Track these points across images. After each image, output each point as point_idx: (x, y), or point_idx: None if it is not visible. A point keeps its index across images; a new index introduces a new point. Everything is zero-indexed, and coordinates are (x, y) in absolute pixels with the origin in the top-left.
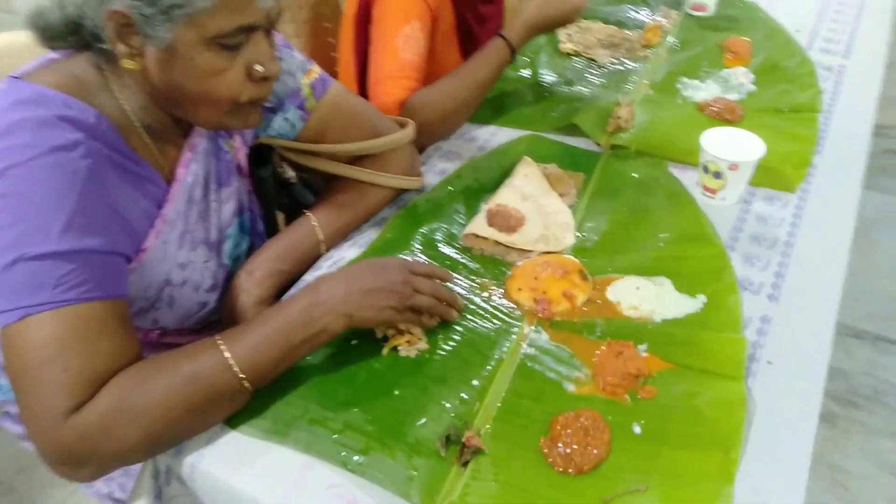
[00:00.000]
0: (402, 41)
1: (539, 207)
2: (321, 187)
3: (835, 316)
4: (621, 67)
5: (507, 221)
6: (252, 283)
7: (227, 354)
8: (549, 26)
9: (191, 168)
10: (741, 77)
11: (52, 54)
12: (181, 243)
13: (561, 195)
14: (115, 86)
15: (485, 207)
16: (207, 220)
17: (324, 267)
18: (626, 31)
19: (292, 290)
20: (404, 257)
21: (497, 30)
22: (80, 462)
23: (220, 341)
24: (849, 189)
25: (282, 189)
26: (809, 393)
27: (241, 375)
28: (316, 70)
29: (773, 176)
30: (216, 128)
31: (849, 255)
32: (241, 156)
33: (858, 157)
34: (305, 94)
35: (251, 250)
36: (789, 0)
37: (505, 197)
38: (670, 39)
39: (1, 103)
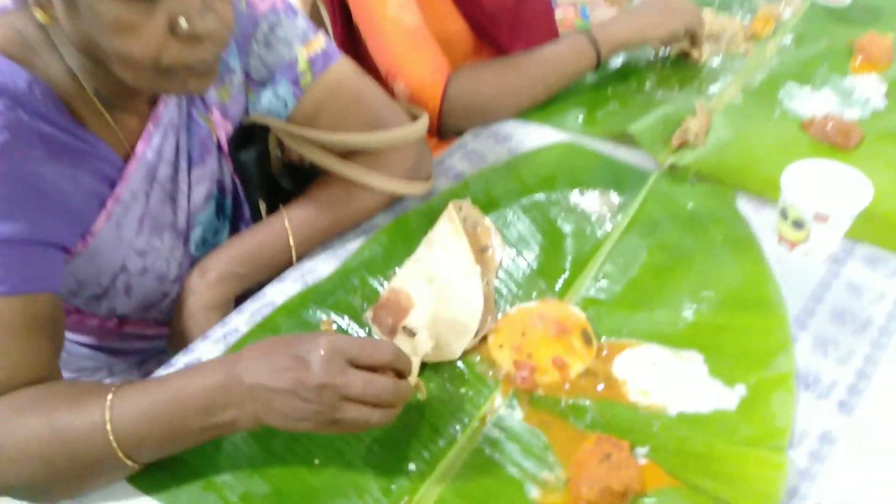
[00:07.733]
0: (396, 8)
1: (441, 295)
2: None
3: None
4: (713, 66)
5: (394, 316)
6: (204, 285)
7: (107, 416)
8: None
9: (152, 142)
10: (869, 88)
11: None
12: (140, 228)
13: (483, 250)
14: (61, 44)
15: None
16: (175, 204)
17: (289, 279)
18: (731, 18)
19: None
20: (350, 332)
21: None
22: None
23: (110, 396)
24: None
25: (292, 175)
26: None
27: (114, 445)
28: (320, 41)
29: (885, 229)
30: (155, 92)
31: None
32: (222, 133)
33: None
34: (301, 68)
35: None
36: None
37: (404, 278)
38: (785, 33)
39: None
